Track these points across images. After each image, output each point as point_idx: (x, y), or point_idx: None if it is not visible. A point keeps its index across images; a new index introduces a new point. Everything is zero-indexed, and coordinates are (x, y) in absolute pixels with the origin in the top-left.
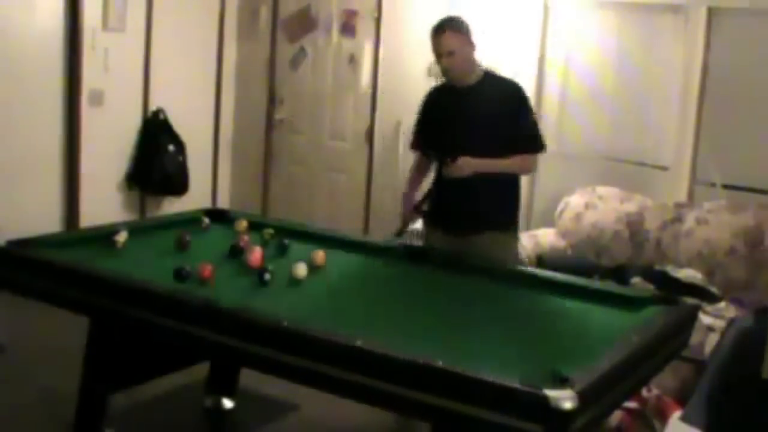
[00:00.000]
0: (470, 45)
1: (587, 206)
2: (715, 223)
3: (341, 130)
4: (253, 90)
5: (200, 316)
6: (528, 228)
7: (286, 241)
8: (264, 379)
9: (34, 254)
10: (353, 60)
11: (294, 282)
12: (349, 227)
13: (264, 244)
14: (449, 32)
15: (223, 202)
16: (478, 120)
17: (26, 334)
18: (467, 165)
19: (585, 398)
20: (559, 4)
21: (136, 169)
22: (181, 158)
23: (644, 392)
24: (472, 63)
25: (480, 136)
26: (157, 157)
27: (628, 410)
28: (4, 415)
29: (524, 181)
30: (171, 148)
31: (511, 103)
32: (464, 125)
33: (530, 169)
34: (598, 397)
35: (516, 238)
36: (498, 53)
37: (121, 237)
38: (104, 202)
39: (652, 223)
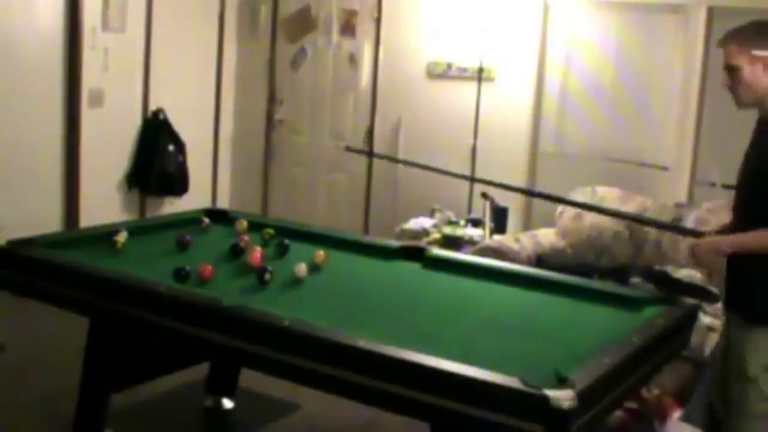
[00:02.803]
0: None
1: None
2: (715, 223)
3: (341, 130)
4: (253, 90)
5: (200, 316)
6: (528, 228)
7: (286, 241)
8: (264, 379)
9: (34, 254)
10: (353, 60)
11: (294, 282)
12: (349, 227)
13: (264, 244)
14: (732, 44)
15: (223, 202)
16: (751, 170)
17: (26, 334)
18: (711, 249)
19: (585, 398)
20: (559, 4)
21: (136, 169)
22: (181, 158)
23: (644, 392)
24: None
25: (746, 196)
26: (157, 157)
27: (628, 410)
28: (4, 415)
29: (524, 181)
30: (171, 148)
31: None
32: (743, 178)
33: None
34: (598, 397)
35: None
36: (498, 53)
37: (121, 237)
38: (104, 202)
39: None
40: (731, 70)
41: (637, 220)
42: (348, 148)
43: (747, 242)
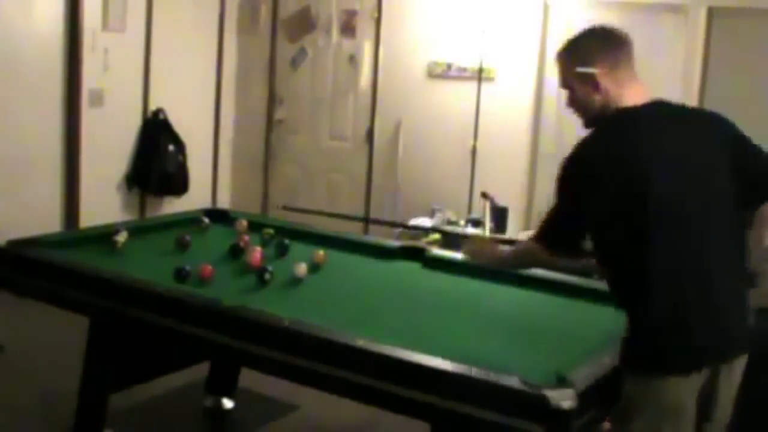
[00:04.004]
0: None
1: None
2: None
3: (341, 130)
4: (253, 90)
5: (200, 316)
6: (528, 228)
7: (286, 241)
8: (264, 379)
9: (34, 254)
10: (353, 60)
11: (294, 282)
12: (349, 227)
13: (264, 244)
14: (558, 63)
15: (223, 202)
16: None
17: (26, 334)
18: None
19: (585, 398)
20: (559, 4)
21: (136, 169)
22: (181, 158)
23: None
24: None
25: None
26: (157, 157)
27: None
28: (4, 415)
29: (524, 181)
30: (171, 148)
31: None
32: None
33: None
34: (598, 397)
35: None
36: (498, 53)
37: (121, 237)
38: (104, 202)
39: None
40: (566, 90)
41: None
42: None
43: (508, 261)
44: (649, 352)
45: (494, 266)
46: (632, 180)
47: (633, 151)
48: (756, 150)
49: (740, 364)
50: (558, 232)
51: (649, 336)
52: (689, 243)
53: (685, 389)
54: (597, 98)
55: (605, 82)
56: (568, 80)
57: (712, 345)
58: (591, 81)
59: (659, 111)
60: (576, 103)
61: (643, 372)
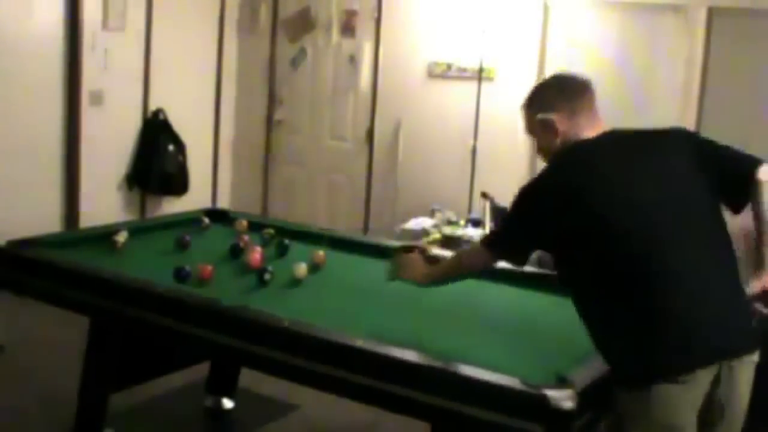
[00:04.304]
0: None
1: None
2: None
3: (341, 130)
4: (253, 90)
5: (200, 316)
6: None
7: (286, 241)
8: (264, 379)
9: (34, 254)
10: (353, 60)
11: (294, 282)
12: (349, 227)
13: (264, 244)
14: (522, 113)
15: (223, 202)
16: None
17: (26, 334)
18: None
19: (585, 398)
20: (559, 4)
21: (136, 169)
22: (181, 158)
23: None
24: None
25: None
26: (157, 157)
27: None
28: (4, 416)
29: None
30: (171, 148)
31: None
32: None
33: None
34: (597, 397)
35: None
36: (498, 53)
37: (121, 237)
38: (104, 202)
39: None
40: (532, 138)
41: None
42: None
43: (438, 274)
44: (639, 364)
45: (420, 282)
46: (596, 202)
47: (595, 173)
48: (725, 151)
49: (745, 369)
50: (514, 247)
51: (639, 347)
52: (662, 251)
53: (681, 401)
54: (557, 142)
55: (564, 127)
56: (531, 128)
57: (701, 346)
58: (551, 127)
59: (615, 137)
60: (541, 149)
61: (636, 385)
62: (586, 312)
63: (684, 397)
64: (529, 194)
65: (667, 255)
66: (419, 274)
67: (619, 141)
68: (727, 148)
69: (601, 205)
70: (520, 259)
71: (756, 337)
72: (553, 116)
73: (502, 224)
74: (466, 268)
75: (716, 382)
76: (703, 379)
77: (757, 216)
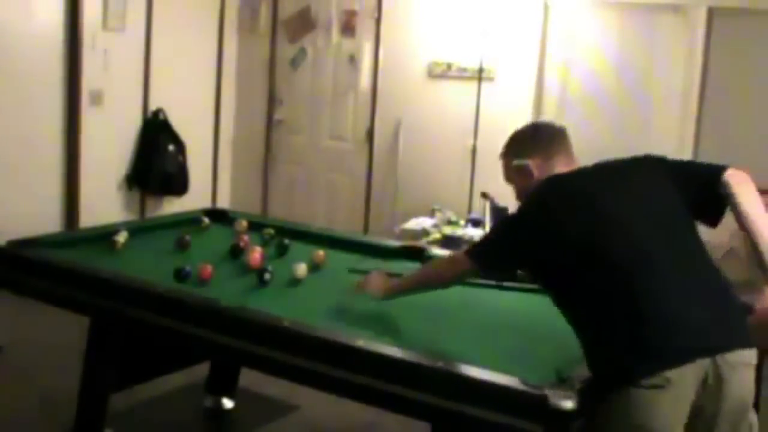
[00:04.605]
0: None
1: None
2: None
3: (341, 130)
4: (253, 90)
5: (200, 316)
6: None
7: (286, 241)
8: (264, 379)
9: (34, 254)
10: (353, 60)
11: (294, 282)
12: (349, 227)
13: (264, 244)
14: (501, 161)
15: (223, 202)
16: None
17: (26, 334)
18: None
19: (585, 398)
20: (559, 4)
21: (136, 169)
22: (181, 158)
23: None
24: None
25: None
26: (157, 157)
27: None
28: (4, 415)
29: None
30: (171, 148)
31: None
32: None
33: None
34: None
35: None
36: (498, 53)
37: (121, 237)
38: (104, 202)
39: None
40: (510, 184)
41: None
42: None
43: (404, 286)
44: (611, 368)
45: (382, 294)
46: (580, 221)
47: (577, 194)
48: (692, 164)
49: (735, 373)
50: (498, 260)
51: (610, 352)
52: (643, 264)
53: (655, 404)
54: (533, 184)
55: (539, 171)
56: (509, 174)
57: (670, 347)
58: (527, 171)
59: (592, 166)
60: (520, 195)
61: (608, 389)
62: (567, 318)
63: (658, 401)
64: (516, 215)
65: (648, 268)
66: (381, 287)
67: (597, 168)
68: (693, 163)
69: (585, 223)
70: (502, 274)
71: (743, 335)
72: (528, 161)
73: (489, 238)
74: (439, 277)
75: (703, 388)
76: (679, 381)
77: (739, 214)
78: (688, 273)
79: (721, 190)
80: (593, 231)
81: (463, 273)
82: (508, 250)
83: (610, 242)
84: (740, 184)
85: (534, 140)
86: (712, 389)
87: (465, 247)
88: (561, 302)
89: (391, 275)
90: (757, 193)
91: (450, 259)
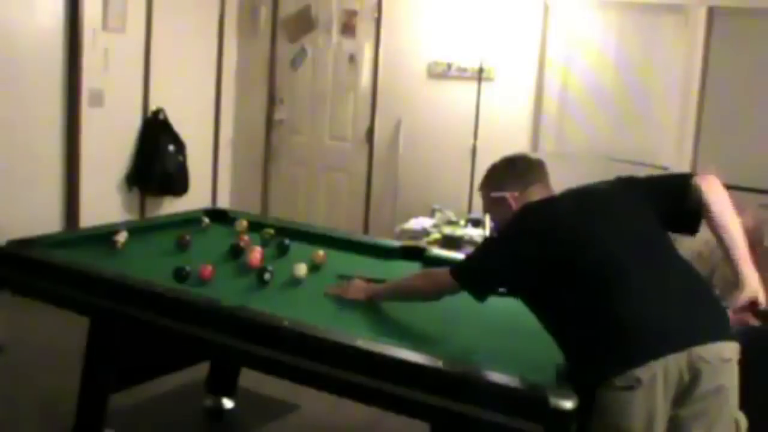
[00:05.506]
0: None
1: None
2: None
3: (341, 129)
4: (253, 90)
5: (200, 315)
6: None
7: (286, 241)
8: (264, 379)
9: (34, 254)
10: (353, 60)
11: (294, 282)
12: (349, 227)
13: (264, 244)
14: (480, 194)
15: (223, 202)
16: None
17: (26, 334)
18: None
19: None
20: (559, 4)
21: (136, 169)
22: (181, 158)
23: None
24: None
25: None
26: (157, 157)
27: None
28: (4, 415)
29: None
30: (171, 148)
31: None
32: None
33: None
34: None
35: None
36: (498, 53)
37: (121, 237)
38: (104, 202)
39: None
40: (489, 216)
41: None
42: None
43: (384, 294)
44: (586, 369)
45: (364, 297)
46: (562, 239)
47: (558, 215)
48: (659, 177)
49: (711, 371)
50: (482, 280)
51: (585, 354)
52: (621, 275)
53: (628, 404)
54: (511, 214)
55: (517, 203)
56: (488, 207)
57: (638, 346)
58: (504, 203)
59: (568, 192)
60: (498, 227)
61: (586, 392)
62: (549, 331)
63: (631, 401)
64: (498, 237)
65: (623, 276)
66: (361, 291)
67: (572, 192)
68: (662, 177)
69: (563, 241)
70: (484, 295)
71: (719, 330)
72: (506, 194)
73: (472, 257)
74: (420, 292)
75: (679, 384)
76: (650, 379)
77: (711, 222)
78: (664, 279)
79: (694, 197)
80: (573, 249)
81: (444, 290)
82: (489, 270)
83: (588, 257)
84: (710, 192)
85: (511, 173)
86: (686, 384)
87: (447, 267)
88: (541, 316)
89: (372, 281)
90: (727, 198)
91: (433, 275)
